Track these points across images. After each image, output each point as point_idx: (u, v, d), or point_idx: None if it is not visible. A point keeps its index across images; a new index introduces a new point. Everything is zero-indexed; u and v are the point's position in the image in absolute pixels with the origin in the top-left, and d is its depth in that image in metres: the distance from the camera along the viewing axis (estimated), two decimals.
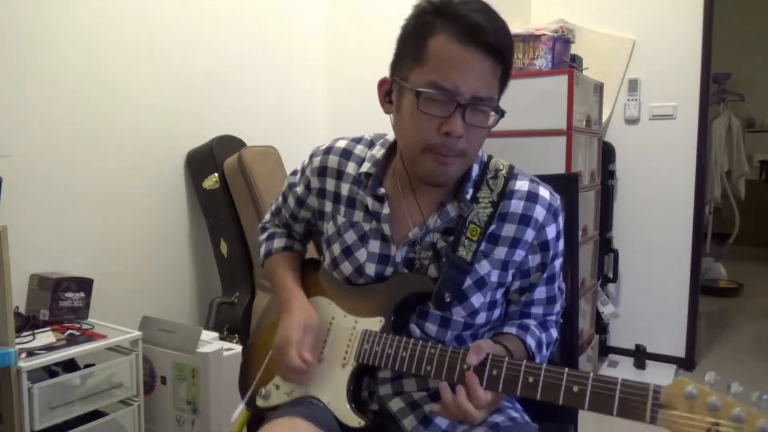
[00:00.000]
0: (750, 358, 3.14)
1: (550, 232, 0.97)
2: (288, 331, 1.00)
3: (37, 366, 1.41)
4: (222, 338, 1.93)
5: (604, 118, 2.94)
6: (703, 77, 2.80)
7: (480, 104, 0.86)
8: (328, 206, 1.07)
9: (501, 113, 0.90)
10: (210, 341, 1.80)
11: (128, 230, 2.01)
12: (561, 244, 1.01)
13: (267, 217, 1.26)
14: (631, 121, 2.98)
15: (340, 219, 1.05)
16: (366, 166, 1.01)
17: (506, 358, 0.84)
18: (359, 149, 1.06)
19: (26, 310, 1.67)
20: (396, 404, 0.99)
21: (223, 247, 2.20)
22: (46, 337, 1.55)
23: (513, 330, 0.99)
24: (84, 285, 1.70)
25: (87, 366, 1.60)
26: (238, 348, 1.84)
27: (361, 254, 1.01)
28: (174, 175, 2.18)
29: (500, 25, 0.86)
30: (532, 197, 0.97)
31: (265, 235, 1.24)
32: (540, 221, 0.96)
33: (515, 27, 2.68)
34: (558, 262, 1.02)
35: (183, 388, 1.76)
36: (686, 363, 2.94)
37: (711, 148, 3.88)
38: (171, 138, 2.14)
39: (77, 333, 1.60)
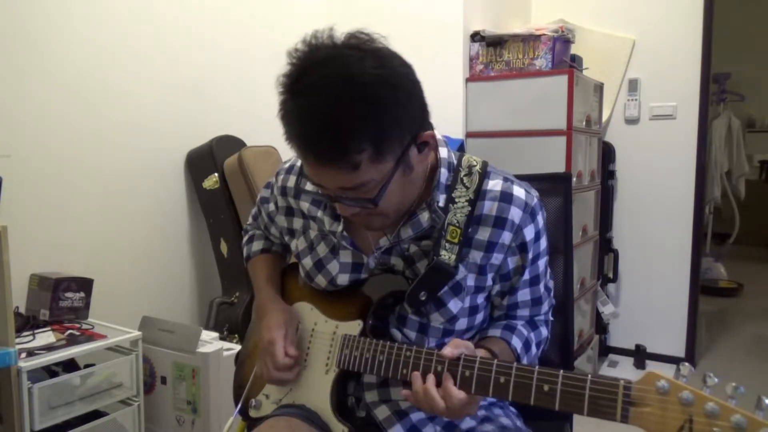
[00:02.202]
0: (750, 358, 3.14)
1: (528, 233, 0.93)
2: (269, 333, 1.00)
3: (37, 366, 1.41)
4: (222, 338, 1.93)
5: (604, 118, 2.94)
6: (703, 77, 2.80)
7: (351, 192, 0.82)
8: (297, 223, 1.06)
9: (390, 170, 0.82)
10: (210, 341, 1.80)
11: (128, 230, 2.01)
12: (543, 242, 0.97)
13: (249, 220, 1.26)
14: (631, 121, 2.98)
15: (313, 233, 1.03)
16: None
17: (478, 357, 0.81)
18: None
19: (26, 310, 1.67)
20: (382, 412, 0.97)
21: (223, 247, 2.20)
22: (46, 337, 1.55)
23: (498, 332, 0.97)
24: (84, 285, 1.70)
25: (87, 366, 1.60)
26: (238, 348, 1.84)
27: (333, 266, 0.99)
28: (174, 175, 2.18)
29: (324, 129, 0.76)
30: (506, 197, 0.92)
31: (246, 237, 1.25)
32: (516, 223, 0.91)
33: (515, 27, 2.68)
34: (542, 262, 0.98)
35: (183, 388, 1.76)
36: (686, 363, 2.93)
37: (711, 148, 3.88)
38: (171, 138, 2.14)
39: (77, 333, 1.60)
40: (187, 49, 2.17)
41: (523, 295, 0.98)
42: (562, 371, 0.74)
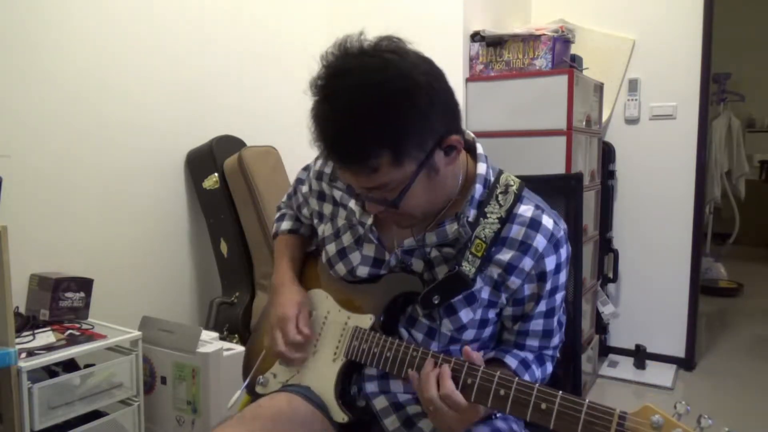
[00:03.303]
0: (750, 358, 3.14)
1: (549, 263, 0.93)
2: (283, 309, 1.03)
3: (37, 366, 1.41)
4: (222, 338, 1.93)
5: (604, 118, 2.94)
6: (703, 77, 2.80)
7: (376, 191, 0.87)
8: (327, 208, 1.09)
9: (413, 172, 0.84)
10: (210, 341, 1.80)
11: (128, 230, 2.01)
12: (563, 276, 0.97)
13: (284, 198, 1.28)
14: (631, 121, 2.98)
15: (341, 221, 1.05)
16: None
17: (481, 367, 0.82)
18: None
19: (26, 310, 1.67)
20: (380, 403, 0.99)
21: (223, 247, 2.20)
22: (46, 337, 1.55)
23: (512, 363, 0.96)
24: (84, 285, 1.70)
25: (87, 366, 1.60)
26: (238, 348, 1.84)
27: (355, 257, 1.02)
28: (174, 175, 2.18)
29: (345, 135, 0.81)
30: (534, 225, 0.93)
31: (278, 214, 1.28)
32: (539, 251, 0.92)
33: (515, 27, 2.68)
34: (559, 296, 0.98)
35: (183, 388, 1.76)
36: (686, 363, 2.94)
37: (711, 148, 3.88)
38: (171, 138, 2.14)
39: (77, 333, 1.60)
40: (187, 49, 2.17)
41: (536, 325, 0.98)
42: (560, 392, 0.75)
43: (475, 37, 2.55)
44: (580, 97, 2.45)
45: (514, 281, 0.93)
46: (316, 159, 1.12)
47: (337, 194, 1.06)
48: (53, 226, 1.78)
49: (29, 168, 1.71)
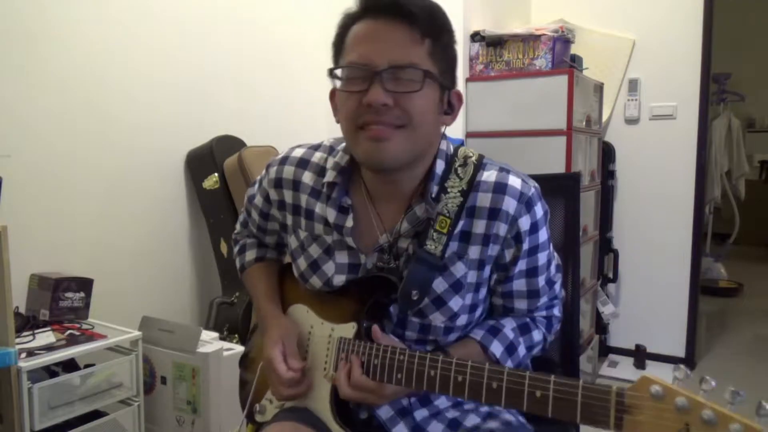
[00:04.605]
0: (750, 358, 3.14)
1: (524, 223, 0.90)
2: (268, 351, 0.97)
3: (37, 366, 1.41)
4: (222, 338, 1.93)
5: (604, 118, 2.94)
6: (703, 77, 2.80)
7: (399, 71, 0.83)
8: (289, 219, 1.03)
9: (439, 81, 0.87)
10: (210, 341, 1.80)
11: (128, 230, 2.01)
12: (542, 234, 0.93)
13: (237, 227, 1.21)
14: (631, 121, 2.98)
15: (302, 233, 1.01)
16: (331, 175, 0.96)
17: (469, 362, 0.79)
18: (317, 157, 1.01)
19: (26, 310, 1.67)
20: (385, 412, 0.95)
21: (223, 247, 2.20)
22: (46, 337, 1.55)
23: (478, 335, 0.95)
24: (84, 285, 1.70)
25: (87, 366, 1.60)
26: (239, 348, 1.84)
27: (329, 267, 0.97)
28: (174, 175, 2.18)
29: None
30: (500, 188, 0.89)
31: (237, 248, 1.20)
32: (511, 214, 0.89)
33: (515, 27, 2.68)
34: (542, 255, 0.95)
35: (183, 388, 1.76)
36: (686, 363, 2.91)
37: (711, 148, 3.87)
38: (171, 138, 2.14)
39: (77, 333, 1.60)
40: (188, 49, 2.17)
41: (519, 285, 0.96)
42: (553, 376, 0.71)
43: (475, 37, 2.55)
44: (580, 97, 2.45)
45: (493, 248, 0.91)
46: (268, 167, 1.05)
47: (303, 198, 1.00)
48: (53, 226, 1.78)
49: (29, 168, 1.71)
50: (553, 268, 1.00)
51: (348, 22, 0.89)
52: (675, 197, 2.91)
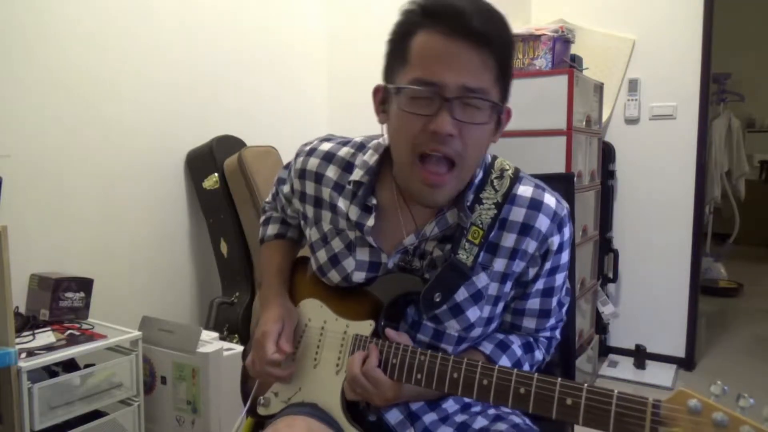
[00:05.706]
0: (750, 358, 3.14)
1: (553, 243, 0.90)
2: (265, 326, 0.98)
3: (37, 366, 1.41)
4: (222, 338, 1.93)
5: (604, 118, 2.94)
6: (703, 77, 2.80)
7: (470, 97, 0.80)
8: (310, 211, 1.02)
9: (499, 109, 0.84)
10: (210, 341, 1.80)
11: (128, 230, 2.01)
12: (565, 256, 0.94)
13: (268, 197, 1.21)
14: (631, 121, 2.98)
15: (326, 225, 0.99)
16: (358, 174, 0.94)
17: (497, 365, 0.79)
18: (344, 152, 0.99)
19: (26, 310, 1.67)
20: (394, 416, 0.93)
21: (223, 247, 2.20)
22: (46, 337, 1.55)
23: (488, 349, 0.94)
24: (84, 285, 1.70)
25: (87, 366, 1.60)
26: (238, 348, 1.84)
27: (349, 263, 0.96)
28: (174, 175, 2.18)
29: (489, 13, 0.80)
30: (535, 205, 0.90)
31: (263, 218, 1.21)
32: (543, 232, 0.89)
33: (515, 27, 2.68)
34: (560, 276, 0.95)
35: (183, 388, 1.76)
36: (686, 363, 2.94)
37: (711, 148, 3.88)
38: (171, 138, 2.14)
39: (77, 333, 1.60)
40: (188, 49, 2.17)
41: (533, 304, 0.96)
42: (586, 385, 0.71)
43: None
44: (580, 97, 2.45)
45: (518, 264, 0.90)
46: (297, 156, 1.04)
47: (326, 192, 0.98)
48: (53, 226, 1.78)
49: (29, 168, 1.71)
50: (564, 291, 1.00)
51: (410, 28, 0.83)
52: (675, 197, 2.91)
